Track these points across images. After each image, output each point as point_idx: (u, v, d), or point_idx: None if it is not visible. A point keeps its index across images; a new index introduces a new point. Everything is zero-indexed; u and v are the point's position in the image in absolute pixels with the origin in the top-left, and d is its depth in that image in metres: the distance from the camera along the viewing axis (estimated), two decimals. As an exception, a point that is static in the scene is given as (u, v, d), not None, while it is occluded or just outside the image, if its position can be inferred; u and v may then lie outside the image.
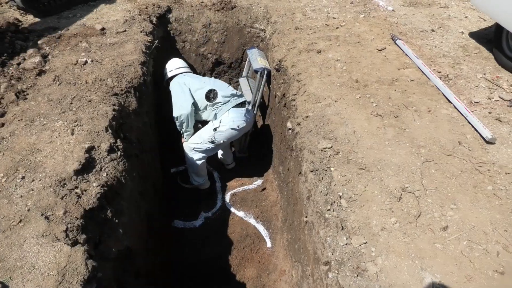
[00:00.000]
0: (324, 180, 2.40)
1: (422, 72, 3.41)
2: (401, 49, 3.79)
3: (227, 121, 3.60)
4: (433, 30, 4.21)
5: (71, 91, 3.06)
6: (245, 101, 3.78)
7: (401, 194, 2.34)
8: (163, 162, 4.14)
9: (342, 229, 2.18)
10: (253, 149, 4.67)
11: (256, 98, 4.08)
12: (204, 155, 3.85)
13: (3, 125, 2.75)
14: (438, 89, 3.14)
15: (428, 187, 2.39)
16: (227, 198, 4.20)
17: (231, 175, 4.48)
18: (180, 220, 3.95)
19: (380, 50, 3.78)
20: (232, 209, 4.05)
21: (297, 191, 2.82)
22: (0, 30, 3.67)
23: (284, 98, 3.56)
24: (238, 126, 3.61)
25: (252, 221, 3.92)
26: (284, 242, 3.29)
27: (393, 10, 4.83)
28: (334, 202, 2.26)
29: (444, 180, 2.44)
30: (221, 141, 3.69)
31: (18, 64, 3.39)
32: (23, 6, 4.01)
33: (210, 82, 3.74)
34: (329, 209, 2.23)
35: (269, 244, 3.64)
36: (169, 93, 3.82)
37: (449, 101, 3.07)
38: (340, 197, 2.29)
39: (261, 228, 3.84)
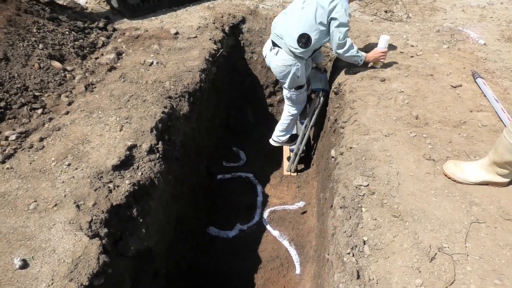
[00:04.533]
0: (351, 220, 2.21)
1: (499, 118, 2.97)
2: (480, 89, 3.36)
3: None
4: (527, 71, 3.67)
5: (131, 89, 3.26)
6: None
7: (436, 253, 2.07)
8: (210, 168, 4.17)
9: (358, 278, 1.99)
10: (304, 168, 4.58)
11: (311, 118, 4.01)
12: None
13: (68, 113, 3.02)
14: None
15: (471, 253, 2.08)
16: (265, 214, 4.09)
17: (274, 192, 4.34)
18: (215, 228, 3.91)
19: (455, 87, 3.41)
20: (268, 227, 3.93)
21: (326, 225, 2.66)
22: (89, 26, 4.04)
23: (335, 124, 3.40)
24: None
25: (285, 243, 3.77)
26: (312, 272, 3.12)
27: (484, 44, 4.35)
28: (356, 247, 2.07)
29: (494, 248, 2.11)
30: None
31: (96, 58, 3.71)
32: (116, 6, 4.37)
33: None
34: (349, 253, 2.05)
35: (298, 271, 3.48)
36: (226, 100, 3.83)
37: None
38: (364, 242, 2.08)
39: (293, 252, 3.68)
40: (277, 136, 4.03)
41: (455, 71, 3.70)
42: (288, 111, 3.91)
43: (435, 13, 5.29)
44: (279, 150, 4.84)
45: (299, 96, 3.74)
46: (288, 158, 4.48)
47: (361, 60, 3.55)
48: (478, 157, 2.66)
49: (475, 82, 3.51)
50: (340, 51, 3.29)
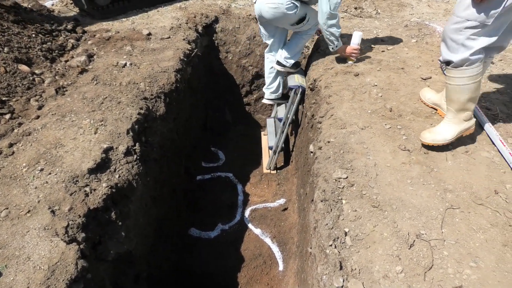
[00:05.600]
0: (332, 212, 2.23)
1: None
2: (448, 80, 3.44)
3: None
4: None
5: (104, 91, 3.18)
6: None
7: (414, 240, 2.12)
8: (189, 169, 4.12)
9: (341, 269, 2.01)
10: (284, 165, 4.56)
11: (288, 115, 4.00)
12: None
13: (38, 117, 2.91)
14: (483, 128, 2.83)
15: (447, 238, 2.14)
16: (247, 213, 4.08)
17: (255, 190, 4.32)
18: (197, 229, 3.86)
19: (425, 79, 3.51)
20: (250, 225, 3.92)
21: (308, 219, 2.66)
22: (57, 29, 3.92)
23: (312, 119, 3.41)
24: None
25: (268, 240, 3.77)
26: (295, 268, 3.12)
27: (450, 36, 4.43)
28: (338, 238, 2.09)
29: (468, 232, 2.18)
30: None
31: (66, 61, 3.60)
32: (85, 8, 4.26)
33: None
34: (331, 245, 2.06)
35: (281, 268, 3.49)
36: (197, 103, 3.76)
37: (493, 142, 2.76)
38: (346, 233, 2.10)
39: (275, 249, 3.68)
40: (285, 58, 3.86)
41: (424, 63, 3.81)
42: (301, 37, 3.73)
43: (403, 9, 5.44)
44: (258, 148, 4.75)
45: (305, 26, 3.56)
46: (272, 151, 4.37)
47: (336, 46, 3.56)
48: (451, 145, 2.74)
49: (444, 73, 3.59)
50: (331, 22, 3.21)
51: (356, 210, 2.27)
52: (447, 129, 2.49)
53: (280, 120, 4.14)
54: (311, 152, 3.01)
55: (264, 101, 4.30)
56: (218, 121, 5.09)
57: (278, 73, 4.05)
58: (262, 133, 4.85)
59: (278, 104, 4.41)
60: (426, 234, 2.15)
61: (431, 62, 3.85)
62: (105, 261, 2.15)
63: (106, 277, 2.13)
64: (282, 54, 3.87)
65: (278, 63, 3.92)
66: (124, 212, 2.39)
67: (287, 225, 3.85)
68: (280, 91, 4.22)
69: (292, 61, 3.88)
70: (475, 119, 2.55)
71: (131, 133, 2.69)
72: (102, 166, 2.42)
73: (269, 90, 4.18)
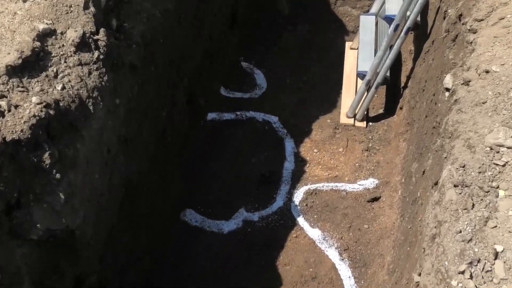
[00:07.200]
0: (475, 209, 1.71)
1: None
2: None
3: None
4: None
5: None
6: None
7: None
8: (195, 97, 3.31)
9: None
10: (384, 114, 3.53)
11: (408, 13, 3.04)
12: None
13: None
14: None
15: None
16: (298, 196, 3.04)
17: (319, 156, 3.26)
18: (198, 213, 2.92)
19: None
20: (302, 221, 2.94)
21: (421, 219, 2.14)
22: None
23: (457, 25, 2.66)
24: None
25: (332, 253, 2.80)
26: None
27: None
28: (479, 262, 1.57)
29: None
30: None
31: None
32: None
33: None
34: (463, 272, 1.55)
35: None
36: None
37: None
38: (496, 254, 1.58)
39: (345, 272, 2.74)
40: None
41: None
42: None
43: None
44: (336, 74, 3.79)
45: None
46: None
47: None
48: None
49: None
50: None
51: (523, 213, 1.84)
52: None
53: (390, 20, 3.24)
54: (447, 89, 2.43)
55: None
56: (259, 12, 4.13)
57: None
58: (348, 44, 3.87)
59: None
60: None
61: None
62: (26, 241, 1.79)
63: (24, 268, 1.78)
64: None
65: None
66: (67, 156, 1.93)
67: (376, 230, 2.95)
68: None
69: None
70: None
71: (92, 9, 2.23)
72: (33, 64, 1.96)
73: None
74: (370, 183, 3.14)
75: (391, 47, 3.22)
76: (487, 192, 1.75)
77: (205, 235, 2.89)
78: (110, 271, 2.39)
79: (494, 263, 1.58)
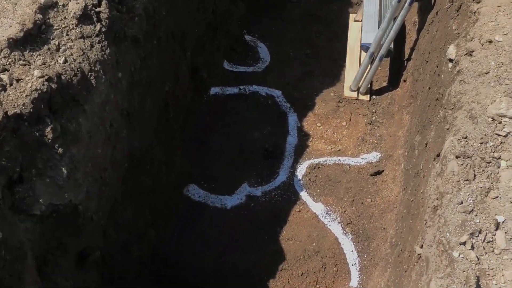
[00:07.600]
0: (477, 180, 1.75)
1: None
2: None
3: None
4: None
5: None
6: None
7: None
8: (199, 71, 3.30)
9: (478, 289, 1.57)
10: (387, 87, 3.48)
11: None
12: None
13: None
14: None
15: None
16: (301, 170, 3.04)
17: (322, 129, 3.23)
18: (201, 188, 2.93)
19: None
20: (305, 195, 2.95)
21: (423, 191, 2.18)
22: None
23: None
24: None
25: (335, 228, 2.84)
26: (383, 286, 2.55)
27: None
28: (480, 233, 1.64)
29: None
30: None
31: None
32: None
33: None
34: (464, 243, 1.60)
35: (355, 283, 2.71)
36: None
37: None
38: (497, 225, 1.64)
39: (348, 246, 2.79)
40: None
41: None
42: None
43: None
44: (340, 47, 3.74)
45: None
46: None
47: None
48: None
49: None
50: None
51: (525, 185, 1.81)
52: None
53: None
54: (450, 60, 2.46)
55: None
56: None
57: None
58: (352, 16, 3.86)
59: None
60: None
61: None
62: (29, 216, 1.80)
63: (27, 244, 1.75)
64: None
65: None
66: (69, 131, 1.97)
67: (378, 203, 2.97)
68: None
69: None
70: None
71: (93, -19, 2.48)
72: (35, 37, 2.00)
73: None
74: (373, 156, 3.13)
75: (395, 18, 3.17)
76: (489, 162, 1.78)
77: (208, 210, 2.90)
78: (113, 247, 2.42)
79: (495, 234, 1.61)
